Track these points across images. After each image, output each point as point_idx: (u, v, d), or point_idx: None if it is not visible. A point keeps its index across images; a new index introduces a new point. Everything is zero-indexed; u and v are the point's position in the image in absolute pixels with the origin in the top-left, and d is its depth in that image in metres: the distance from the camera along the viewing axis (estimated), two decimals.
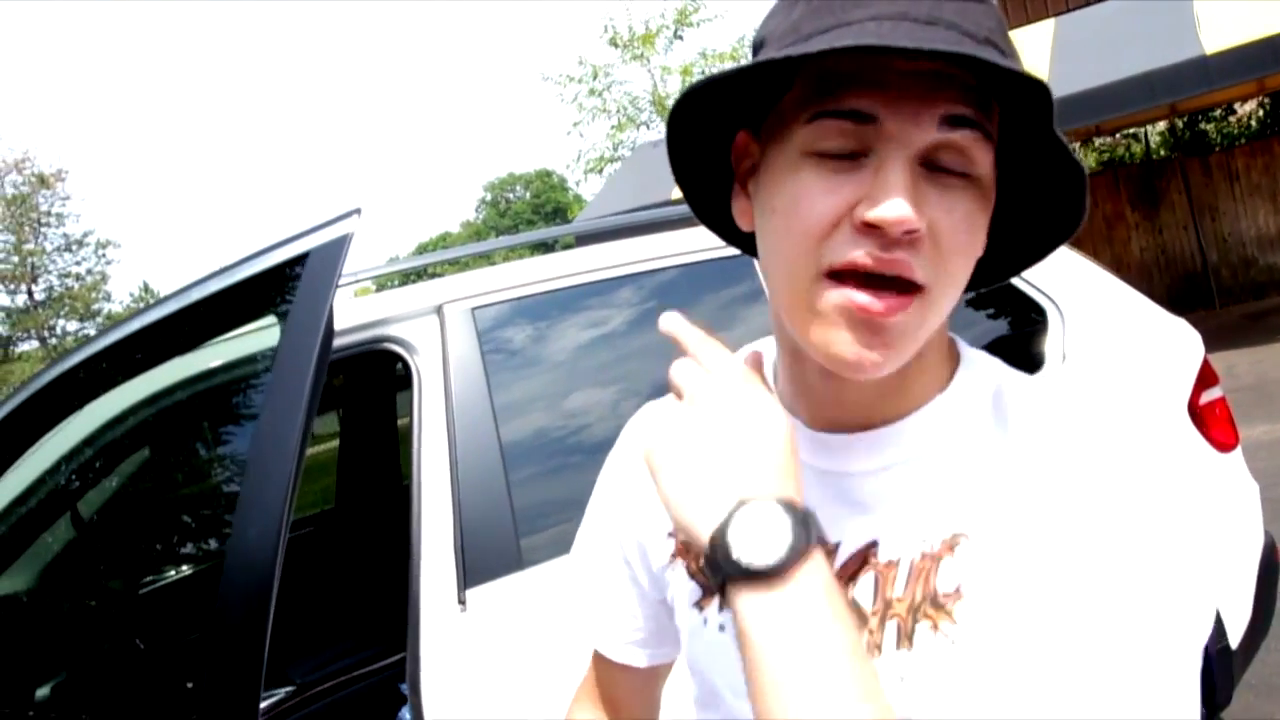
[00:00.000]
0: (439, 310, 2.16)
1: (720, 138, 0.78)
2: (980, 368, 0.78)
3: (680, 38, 16.04)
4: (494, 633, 1.95)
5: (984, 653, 0.67)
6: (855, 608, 0.73)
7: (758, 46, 0.74)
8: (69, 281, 33.08)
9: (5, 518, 1.80)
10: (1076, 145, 13.41)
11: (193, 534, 1.86)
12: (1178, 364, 2.53)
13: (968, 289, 0.74)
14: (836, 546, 0.75)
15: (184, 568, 2.01)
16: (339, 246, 1.55)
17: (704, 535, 0.63)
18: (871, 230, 0.64)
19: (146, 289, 36.48)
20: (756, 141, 0.74)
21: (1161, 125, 13.31)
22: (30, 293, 32.33)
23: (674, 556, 0.87)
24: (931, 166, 0.66)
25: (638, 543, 0.91)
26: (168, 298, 1.69)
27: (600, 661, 1.01)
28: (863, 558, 0.74)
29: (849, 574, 0.74)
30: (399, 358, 2.15)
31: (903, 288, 0.65)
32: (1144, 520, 0.66)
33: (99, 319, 33.26)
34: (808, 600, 0.60)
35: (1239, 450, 2.60)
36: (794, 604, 0.60)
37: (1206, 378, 2.53)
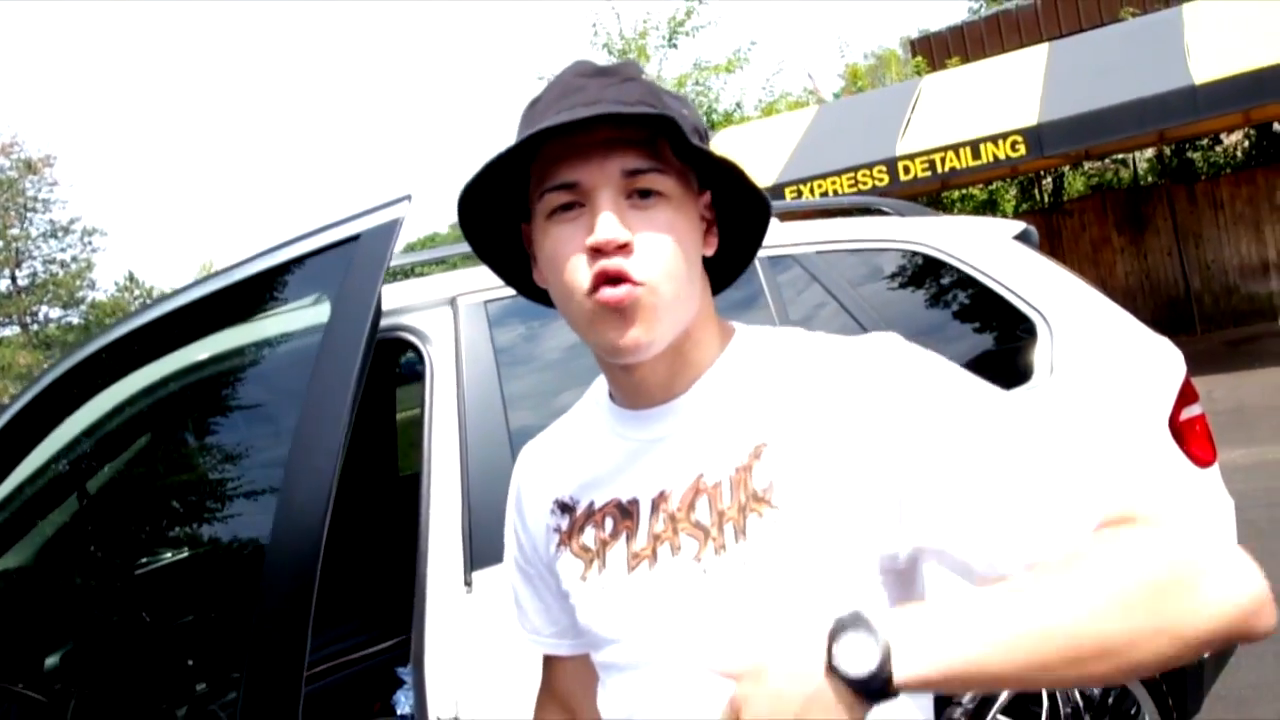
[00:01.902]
0: (453, 302, 2.23)
1: (513, 230, 1.02)
2: (749, 335, 1.02)
3: (675, 46, 16.10)
4: (499, 614, 2.01)
5: (804, 522, 0.88)
6: (698, 525, 0.94)
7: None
8: (54, 268, 32.85)
9: (56, 486, 1.84)
10: (1067, 168, 13.57)
11: (243, 502, 1.92)
12: (1160, 380, 2.61)
13: (731, 278, 1.07)
14: (672, 490, 0.96)
15: (239, 536, 2.06)
16: (390, 230, 1.62)
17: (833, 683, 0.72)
18: (597, 252, 0.88)
19: (132, 278, 36.25)
20: (529, 226, 0.99)
21: (1150, 152, 13.47)
22: (14, 278, 32.11)
23: (559, 545, 1.05)
24: (631, 196, 0.90)
25: (535, 547, 1.10)
26: (220, 272, 1.75)
27: (546, 663, 1.21)
28: (694, 488, 0.95)
29: (687, 504, 0.95)
30: (404, 350, 2.22)
31: (631, 281, 0.88)
32: (934, 394, 0.87)
33: (83, 307, 33.07)
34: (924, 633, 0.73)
35: (1216, 467, 2.69)
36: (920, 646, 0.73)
37: (1187, 394, 2.62)
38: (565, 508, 1.06)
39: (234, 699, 1.84)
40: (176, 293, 1.81)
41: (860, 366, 0.91)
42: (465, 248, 3.04)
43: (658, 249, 0.90)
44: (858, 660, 0.71)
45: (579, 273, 0.90)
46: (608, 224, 0.88)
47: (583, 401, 1.12)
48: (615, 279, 0.88)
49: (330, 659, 3.16)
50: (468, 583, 2.01)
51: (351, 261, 1.61)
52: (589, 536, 1.02)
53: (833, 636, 0.72)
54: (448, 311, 2.22)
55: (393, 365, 3.93)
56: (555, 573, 1.07)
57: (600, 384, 1.08)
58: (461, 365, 2.17)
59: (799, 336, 1.00)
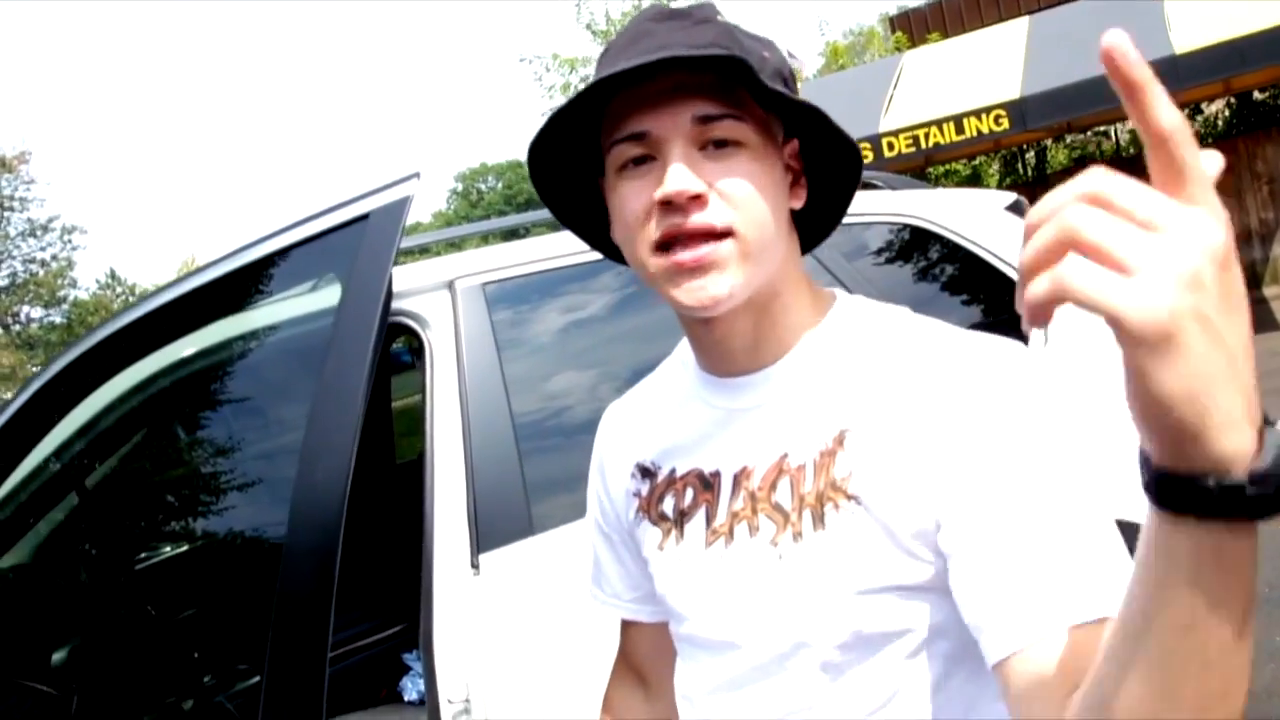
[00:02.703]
0: (450, 285, 2.23)
1: (590, 184, 0.98)
2: (850, 307, 0.96)
3: None
4: (505, 595, 2.02)
5: (881, 516, 0.84)
6: (778, 508, 0.90)
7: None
8: (34, 267, 32.51)
9: (68, 470, 1.84)
10: (1050, 141, 13.61)
11: (260, 488, 1.91)
12: None
13: (822, 236, 1.01)
14: (755, 466, 0.92)
15: (256, 522, 2.06)
16: (399, 208, 1.61)
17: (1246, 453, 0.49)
18: (669, 206, 0.83)
19: (114, 276, 35.97)
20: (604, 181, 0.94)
21: (1131, 123, 13.50)
22: None
23: (639, 511, 1.04)
24: (706, 147, 0.85)
25: (616, 511, 1.09)
26: (227, 256, 1.74)
27: (624, 629, 1.18)
28: (778, 468, 0.91)
29: (769, 484, 0.91)
30: (395, 336, 2.21)
31: (713, 237, 0.84)
32: (1009, 426, 0.80)
33: (65, 306, 32.78)
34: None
35: None
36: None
37: None
38: (646, 472, 1.03)
39: (243, 690, 1.85)
40: (181, 279, 1.79)
41: (963, 378, 0.83)
42: (451, 232, 3.07)
43: (737, 194, 0.84)
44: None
45: (648, 229, 0.85)
46: (678, 175, 0.82)
47: (669, 362, 1.08)
48: (690, 237, 0.83)
49: (334, 647, 3.16)
50: (475, 565, 2.02)
51: (362, 241, 1.61)
52: (668, 505, 1.00)
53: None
54: (445, 295, 2.22)
55: (386, 353, 3.92)
56: (636, 538, 1.05)
57: (684, 347, 1.04)
58: (461, 348, 2.16)
59: (904, 319, 0.93)
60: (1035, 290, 0.50)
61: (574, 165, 0.96)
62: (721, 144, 0.85)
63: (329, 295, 1.64)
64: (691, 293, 0.84)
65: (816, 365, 0.92)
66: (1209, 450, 0.49)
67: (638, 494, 1.04)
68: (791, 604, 0.87)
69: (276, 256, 1.71)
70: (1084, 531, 0.75)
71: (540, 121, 0.88)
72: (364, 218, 1.63)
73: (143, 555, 2.13)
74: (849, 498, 0.85)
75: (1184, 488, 0.50)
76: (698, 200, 0.83)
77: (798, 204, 0.93)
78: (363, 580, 3.35)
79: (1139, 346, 0.47)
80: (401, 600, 3.17)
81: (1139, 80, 0.51)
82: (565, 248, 2.38)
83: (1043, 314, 0.50)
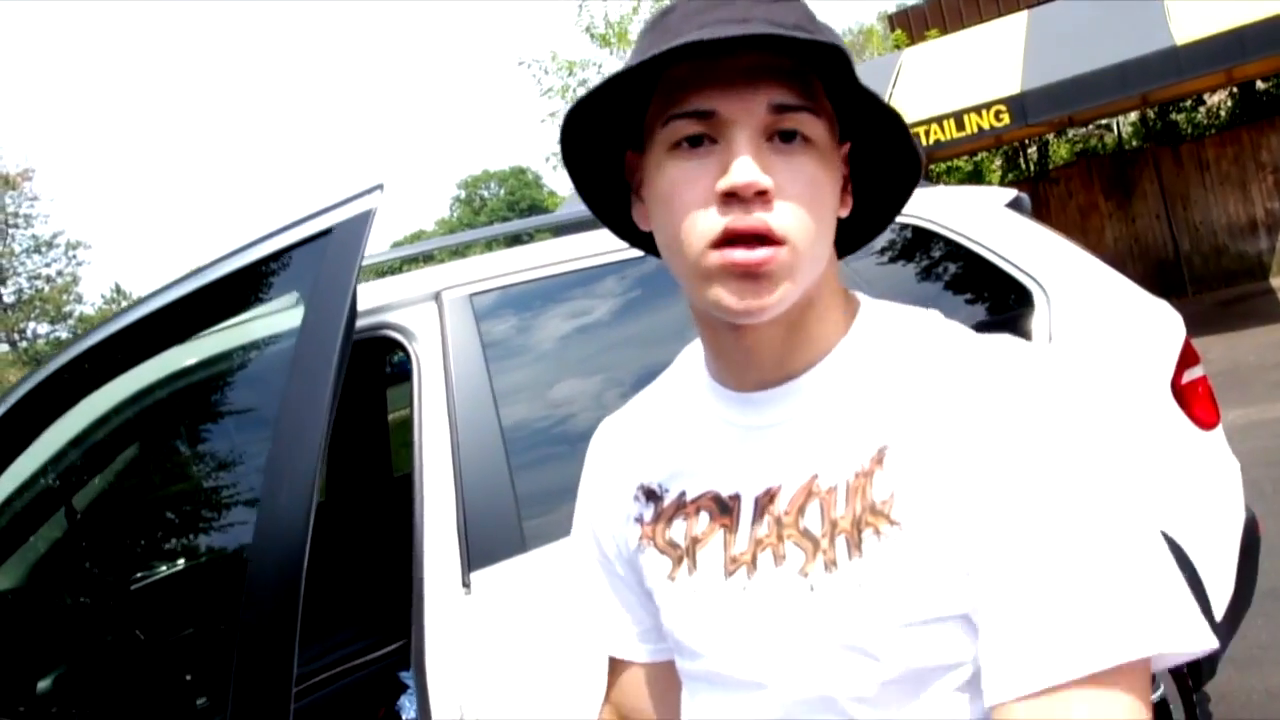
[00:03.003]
0: (437, 297, 2.18)
1: (614, 159, 0.90)
2: (879, 313, 0.89)
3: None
4: (498, 614, 1.97)
5: (926, 542, 0.76)
6: (807, 534, 0.82)
7: None
8: (39, 283, 32.65)
9: (21, 494, 1.79)
10: (1051, 136, 13.55)
11: (220, 514, 1.86)
12: (1160, 344, 2.58)
13: (857, 245, 0.94)
14: (780, 488, 0.84)
15: (215, 545, 2.01)
16: (362, 222, 1.56)
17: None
18: (731, 198, 0.75)
19: (119, 290, 36.07)
20: (639, 155, 0.86)
21: (1133, 116, 13.46)
22: None
23: (642, 538, 0.95)
24: (772, 138, 0.77)
25: (612, 537, 0.99)
26: (188, 276, 1.70)
27: (614, 669, 1.07)
28: (806, 490, 0.83)
29: (797, 507, 0.83)
30: (392, 349, 2.16)
31: (770, 242, 0.76)
32: (1040, 411, 0.75)
33: (71, 321, 32.87)
34: None
35: (1220, 429, 2.65)
36: None
37: (1188, 357, 2.59)
38: (652, 495, 0.94)
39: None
40: (142, 301, 1.75)
41: (1015, 392, 0.76)
42: (455, 239, 3.03)
43: (799, 200, 0.77)
44: None
45: (702, 220, 0.77)
46: (746, 166, 0.75)
47: (672, 373, 1.00)
48: (751, 238, 0.76)
49: (331, 666, 3.12)
50: (466, 584, 1.97)
51: (324, 257, 1.55)
52: (678, 531, 0.90)
53: None
54: (432, 307, 2.17)
55: (381, 365, 3.87)
56: (637, 567, 0.96)
57: (692, 355, 0.96)
58: (449, 361, 2.12)
59: (936, 323, 0.86)
60: None
61: (605, 134, 0.88)
62: (789, 137, 0.77)
63: (293, 315, 1.59)
64: (743, 297, 0.77)
65: (849, 377, 0.84)
66: None
67: (640, 519, 0.94)
68: (828, 639, 0.79)
69: (237, 276, 1.65)
70: (1137, 563, 0.71)
71: (582, 91, 0.80)
72: (326, 233, 1.58)
73: (116, 581, 2.09)
74: (892, 523, 0.77)
75: None
76: (763, 196, 0.76)
77: (845, 212, 0.86)
78: (360, 596, 3.31)
79: None
80: (399, 617, 3.13)
81: None
82: (553, 256, 2.33)
83: None
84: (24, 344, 32.04)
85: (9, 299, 32.13)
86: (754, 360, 0.85)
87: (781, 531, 0.83)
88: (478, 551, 1.98)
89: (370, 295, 2.19)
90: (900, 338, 0.85)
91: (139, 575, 2.15)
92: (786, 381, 0.85)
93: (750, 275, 0.76)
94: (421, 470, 2.04)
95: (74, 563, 2.07)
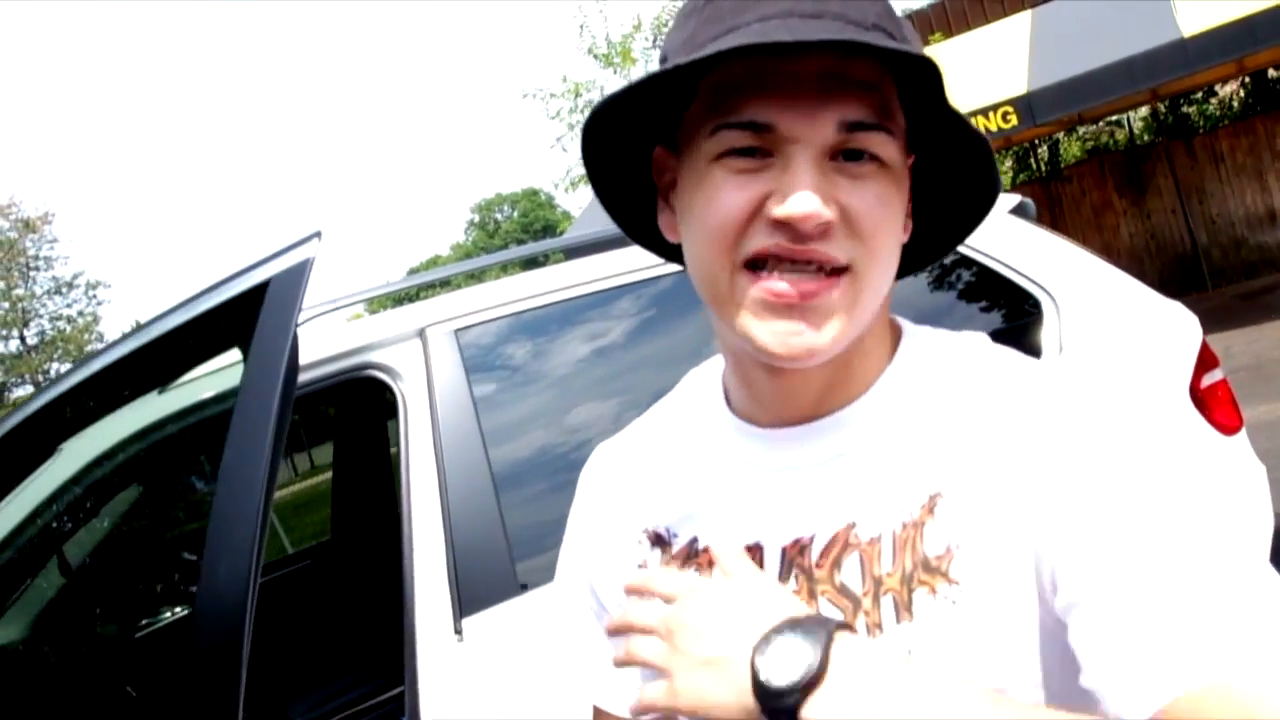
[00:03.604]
0: (422, 334, 2.12)
1: (639, 155, 0.79)
2: (923, 340, 0.79)
3: (660, 47, 15.97)
4: (493, 662, 1.90)
5: (988, 604, 0.67)
6: (844, 591, 0.72)
7: (662, 62, 0.75)
8: (61, 324, 33.04)
9: None
10: (1062, 135, 13.42)
11: (174, 575, 1.80)
12: (1177, 348, 2.49)
13: (908, 270, 0.81)
14: (811, 538, 0.74)
15: (160, 613, 1.96)
16: (300, 272, 1.50)
17: (749, 693, 0.62)
18: (783, 226, 0.66)
19: (139, 326, 36.44)
20: (673, 155, 0.76)
21: (1144, 111, 13.31)
22: (23, 337, 32.26)
23: None
24: (836, 156, 0.67)
25: (610, 583, 0.88)
26: (128, 336, 1.64)
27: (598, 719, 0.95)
28: (843, 541, 0.73)
29: (831, 560, 0.73)
30: (385, 385, 2.11)
31: (828, 270, 0.67)
32: (1126, 453, 0.65)
33: None
34: (861, 682, 0.61)
35: (1243, 433, 2.56)
36: (848, 693, 0.60)
37: (1206, 360, 2.49)
38: (659, 540, 0.83)
39: None
40: (81, 362, 1.69)
41: (1070, 421, 0.67)
42: (459, 267, 2.98)
43: (868, 224, 0.67)
44: (779, 668, 0.61)
45: (739, 238, 0.67)
46: (808, 197, 0.64)
47: (680, 398, 0.89)
48: (795, 262, 0.66)
49: (338, 711, 3.06)
50: (458, 631, 1.90)
51: (260, 312, 1.49)
52: None
53: (775, 630, 0.62)
54: (417, 344, 2.11)
55: (381, 399, 3.82)
56: None
57: (704, 378, 0.86)
58: (435, 399, 2.05)
59: (986, 351, 0.77)
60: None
61: (634, 130, 0.77)
62: (856, 155, 0.67)
63: (233, 374, 1.53)
64: (784, 338, 0.67)
65: (895, 414, 0.74)
66: None
67: (645, 566, 0.84)
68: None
69: (172, 336, 1.60)
70: (1233, 571, 0.60)
71: (604, 94, 0.70)
72: (263, 286, 1.51)
73: (53, 651, 2.03)
74: (950, 582, 0.68)
75: None
76: (821, 229, 0.66)
77: (906, 237, 0.75)
78: (363, 639, 3.25)
79: None
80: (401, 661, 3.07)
81: None
82: (539, 287, 2.27)
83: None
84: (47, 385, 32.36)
85: (32, 340, 32.47)
86: (789, 401, 0.76)
87: (814, 587, 0.73)
88: (469, 596, 1.92)
89: (355, 334, 2.14)
90: (949, 369, 0.76)
91: (84, 636, 2.09)
92: (820, 418, 0.75)
93: (791, 309, 0.67)
94: (410, 513, 1.98)
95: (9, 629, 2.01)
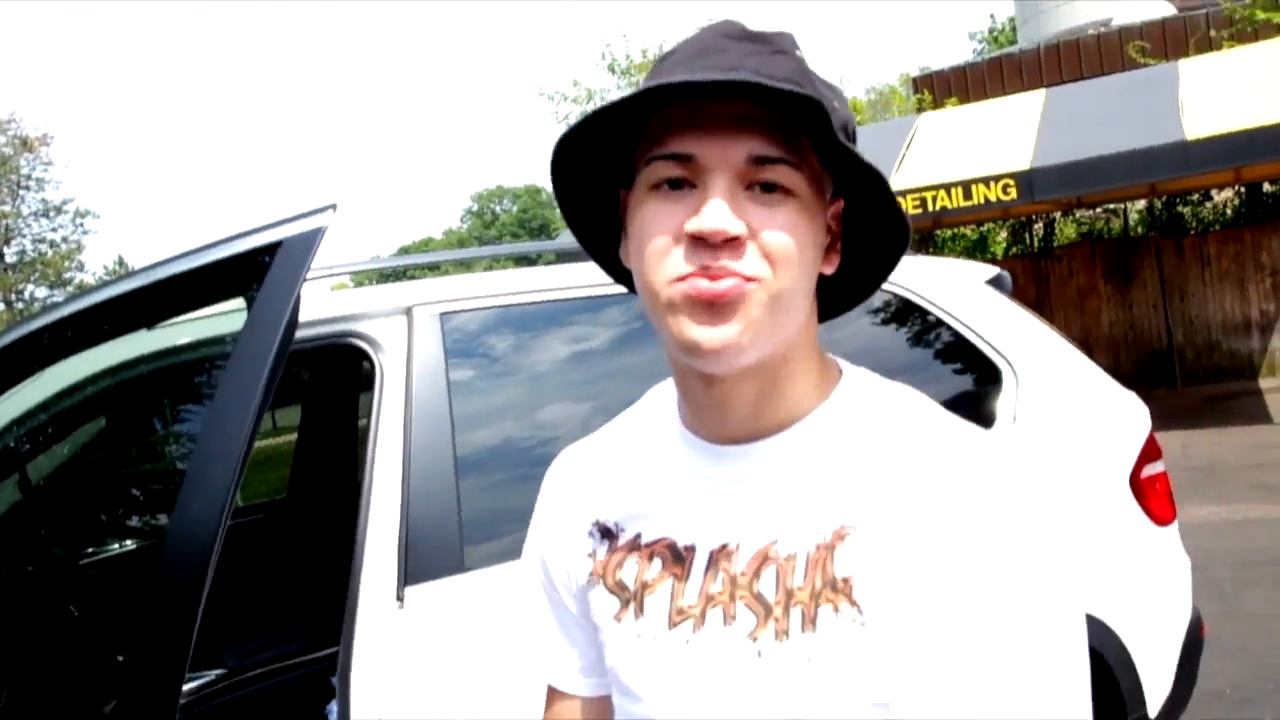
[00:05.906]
0: (408, 312, 2.19)
1: (611, 196, 0.89)
2: (861, 384, 0.88)
3: None
4: (430, 631, 1.97)
5: (883, 628, 0.76)
6: (760, 599, 0.81)
7: None
8: (43, 247, 32.62)
9: None
10: (1058, 214, 13.64)
11: (141, 508, 1.87)
12: (1124, 435, 2.59)
13: (841, 308, 0.93)
14: (738, 546, 0.83)
15: (130, 541, 2.01)
16: (312, 238, 1.58)
17: None
18: (699, 241, 0.75)
19: (121, 263, 36.07)
20: (630, 194, 0.85)
21: (1141, 204, 13.57)
22: (2, 254, 31.86)
23: (592, 576, 0.94)
24: (751, 187, 0.77)
25: (563, 569, 0.98)
26: (140, 271, 1.71)
27: (552, 699, 1.06)
28: (764, 555, 0.82)
29: (753, 570, 0.82)
30: (364, 355, 2.17)
31: (745, 277, 0.76)
32: (1008, 525, 0.75)
33: (70, 288, 32.82)
34: None
35: (1175, 526, 2.66)
36: None
37: (1151, 452, 2.60)
38: (607, 533, 0.93)
39: None
40: (90, 290, 1.76)
41: (967, 490, 0.77)
42: (452, 254, 3.06)
43: (777, 247, 0.76)
44: None
45: (669, 259, 0.77)
46: (718, 212, 0.74)
47: (641, 410, 0.98)
48: (716, 275, 0.75)
49: (270, 662, 3.10)
50: (400, 598, 1.97)
51: (272, 268, 1.57)
52: (628, 573, 0.90)
53: None
54: (402, 320, 2.18)
55: (356, 371, 3.88)
56: (585, 603, 0.95)
57: (664, 394, 0.95)
58: (412, 376, 2.12)
59: (916, 406, 0.85)
60: None
61: (599, 169, 0.88)
62: (770, 188, 0.77)
63: (237, 319, 1.60)
64: (704, 332, 0.75)
65: (819, 446, 0.83)
66: None
67: (593, 555, 0.93)
68: (771, 708, 0.79)
69: (187, 276, 1.67)
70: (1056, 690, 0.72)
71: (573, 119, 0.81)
72: (277, 245, 1.60)
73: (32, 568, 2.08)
74: (852, 604, 0.77)
75: None
76: (733, 244, 0.75)
77: (829, 270, 0.85)
78: (309, 596, 3.30)
79: None
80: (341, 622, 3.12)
81: None
82: (529, 284, 2.35)
83: None
84: (20, 305, 31.96)
85: (11, 259, 32.09)
86: (725, 414, 0.84)
87: (735, 592, 0.82)
88: (415, 567, 1.98)
89: (343, 303, 2.20)
90: (877, 415, 0.84)
91: (63, 554, 2.14)
92: (757, 440, 0.84)
93: (710, 306, 0.75)
94: (371, 480, 2.05)
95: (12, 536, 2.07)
